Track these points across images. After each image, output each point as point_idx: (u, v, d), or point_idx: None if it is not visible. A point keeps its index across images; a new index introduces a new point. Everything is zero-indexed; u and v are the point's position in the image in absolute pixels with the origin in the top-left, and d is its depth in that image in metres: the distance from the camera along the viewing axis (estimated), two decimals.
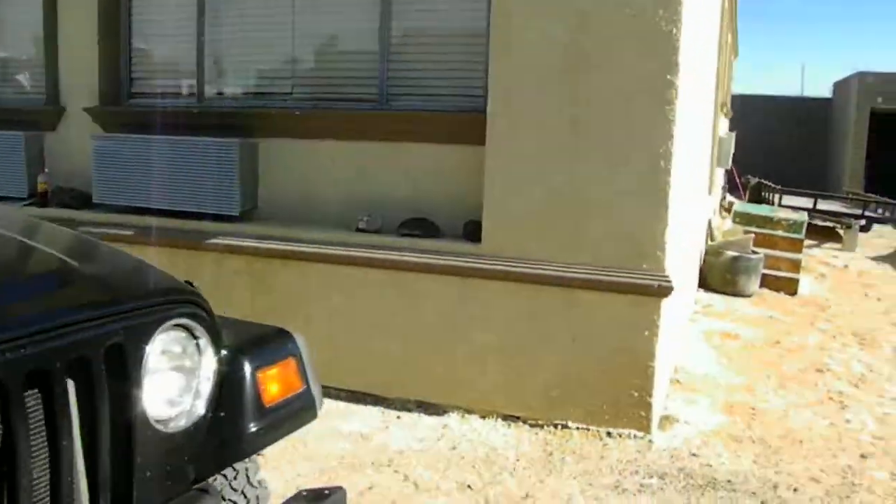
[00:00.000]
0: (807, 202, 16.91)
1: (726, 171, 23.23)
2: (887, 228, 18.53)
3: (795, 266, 10.04)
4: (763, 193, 17.63)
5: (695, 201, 7.84)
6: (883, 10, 74.51)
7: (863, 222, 16.78)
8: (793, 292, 9.77)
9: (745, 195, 19.09)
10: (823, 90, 30.31)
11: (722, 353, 7.06)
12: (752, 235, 9.69)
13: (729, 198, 20.94)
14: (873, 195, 19.66)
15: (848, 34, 68.65)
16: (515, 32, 5.00)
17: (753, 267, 9.31)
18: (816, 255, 14.24)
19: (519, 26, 4.99)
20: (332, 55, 6.22)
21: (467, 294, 5.25)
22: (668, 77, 4.69)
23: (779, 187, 17.33)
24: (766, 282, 9.80)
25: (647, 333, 4.87)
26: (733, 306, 8.80)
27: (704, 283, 9.36)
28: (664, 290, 4.79)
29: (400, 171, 5.68)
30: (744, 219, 10.86)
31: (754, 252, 9.56)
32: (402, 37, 5.84)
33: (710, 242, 9.67)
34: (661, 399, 5.31)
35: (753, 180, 18.79)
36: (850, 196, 19.47)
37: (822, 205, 17.64)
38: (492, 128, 5.10)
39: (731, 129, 24.52)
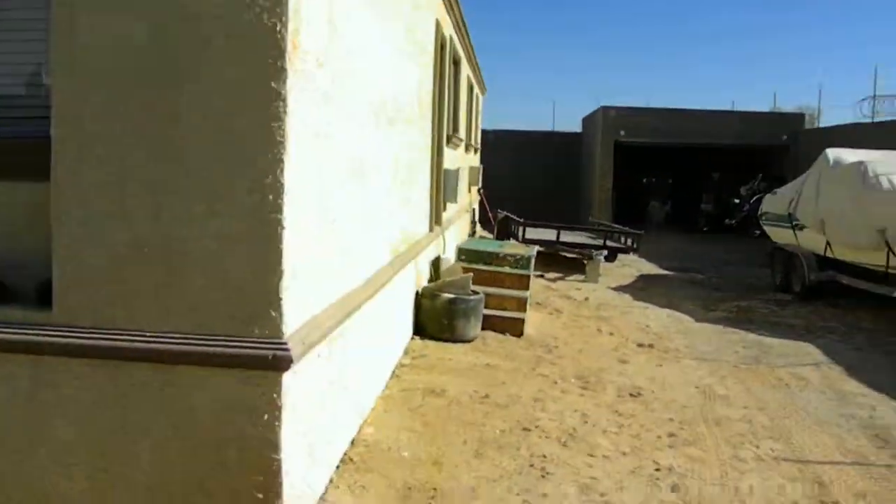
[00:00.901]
0: (552, 234, 16.70)
1: (481, 203, 23.14)
2: (632, 258, 18.77)
3: (522, 305, 9.40)
4: (511, 227, 17.32)
5: (392, 241, 6.91)
6: (625, 43, 79.47)
7: (605, 253, 16.78)
8: (519, 333, 9.09)
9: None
10: (575, 125, 31.08)
11: (419, 416, 6.09)
12: (471, 274, 8.93)
13: (481, 232, 20.66)
14: (617, 225, 19.94)
15: (595, 69, 72.76)
16: (83, 31, 3.79)
17: (472, 309, 8.53)
18: (559, 289, 13.91)
19: (86, 24, 3.78)
20: None
21: (42, 377, 3.93)
22: (274, 86, 3.64)
23: (521, 220, 17.06)
24: (492, 323, 9.07)
25: (266, 418, 3.76)
26: (448, 355, 7.93)
27: (421, 330, 8.46)
28: (281, 362, 3.70)
29: None
30: (470, 256, 10.15)
31: (474, 292, 8.79)
32: None
33: (425, 285, 8.81)
34: (303, 497, 4.20)
35: (501, 214, 18.51)
36: (595, 227, 19.63)
37: (568, 236, 17.55)
38: (58, 156, 3.84)
39: (481, 163, 24.61)
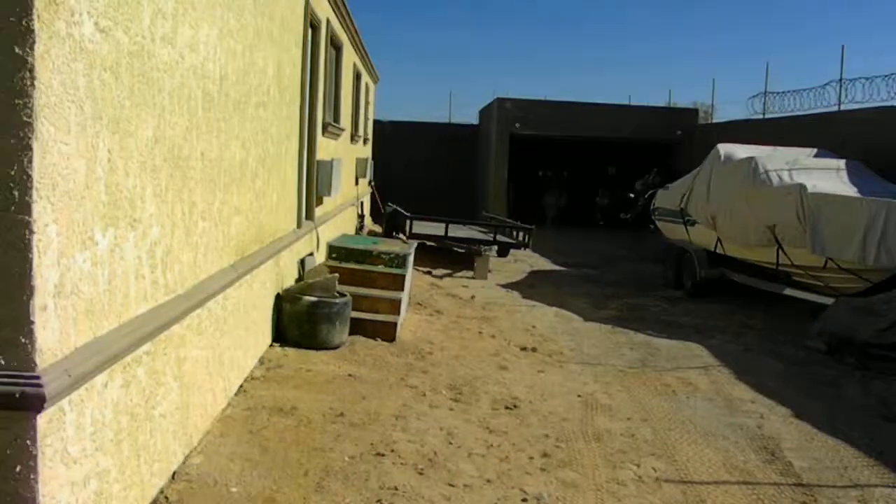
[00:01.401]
0: (441, 228, 16.00)
1: (373, 197, 22.30)
2: (526, 253, 18.27)
3: (395, 307, 8.67)
4: (399, 221, 16.56)
5: (239, 240, 6.07)
6: (522, 37, 78.89)
7: (495, 248, 16.21)
8: (391, 338, 8.36)
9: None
10: (474, 118, 30.50)
11: (259, 441, 5.28)
12: (337, 275, 8.15)
13: (372, 226, 19.85)
14: (510, 220, 19.41)
15: (492, 60, 72.11)
16: None
17: (338, 313, 7.75)
18: (445, 287, 13.25)
19: None
20: None
21: None
22: (18, 51, 2.80)
23: (408, 214, 16.32)
24: (362, 327, 8.32)
25: (18, 470, 2.92)
26: (308, 365, 7.13)
27: (282, 337, 7.64)
28: (32, 401, 2.87)
29: None
30: (341, 254, 9.35)
31: (340, 294, 8.02)
32: None
33: (288, 286, 7.98)
34: None
35: (390, 207, 17.73)
36: (487, 221, 19.03)
37: (458, 231, 16.90)
38: None
39: (377, 155, 23.81)
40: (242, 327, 6.39)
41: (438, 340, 8.87)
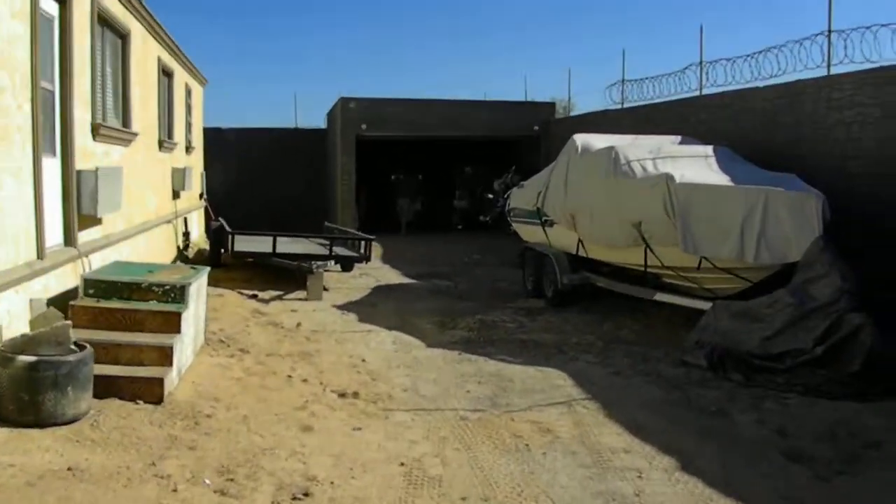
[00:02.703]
0: (269, 244, 13.85)
1: (206, 212, 19.93)
2: (376, 264, 16.38)
3: (164, 357, 6.55)
4: (222, 237, 14.35)
5: None
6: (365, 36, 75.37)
7: (329, 264, 14.21)
8: (157, 399, 6.26)
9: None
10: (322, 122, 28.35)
11: None
12: (69, 323, 5.99)
13: (200, 246, 17.54)
14: (352, 230, 17.41)
15: (337, 63, 68.61)
16: None
17: (71, 374, 5.60)
18: (269, 313, 11.18)
19: None
20: None
21: None
22: None
23: (229, 230, 14.13)
24: (118, 387, 6.21)
25: None
26: (15, 456, 4.96)
27: None
28: None
29: None
30: (100, 288, 7.10)
31: (78, 346, 5.87)
32: None
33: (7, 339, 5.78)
34: None
35: (216, 224, 15.48)
36: (328, 233, 16.95)
37: (292, 246, 14.81)
38: None
39: (214, 164, 21.44)
40: None
41: (229, 394, 6.82)
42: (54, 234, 7.51)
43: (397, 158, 25.14)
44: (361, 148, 22.43)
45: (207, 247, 16.38)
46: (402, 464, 5.54)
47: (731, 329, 8.64)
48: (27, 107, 6.62)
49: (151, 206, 12.51)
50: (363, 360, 8.58)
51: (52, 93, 7.57)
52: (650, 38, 60.70)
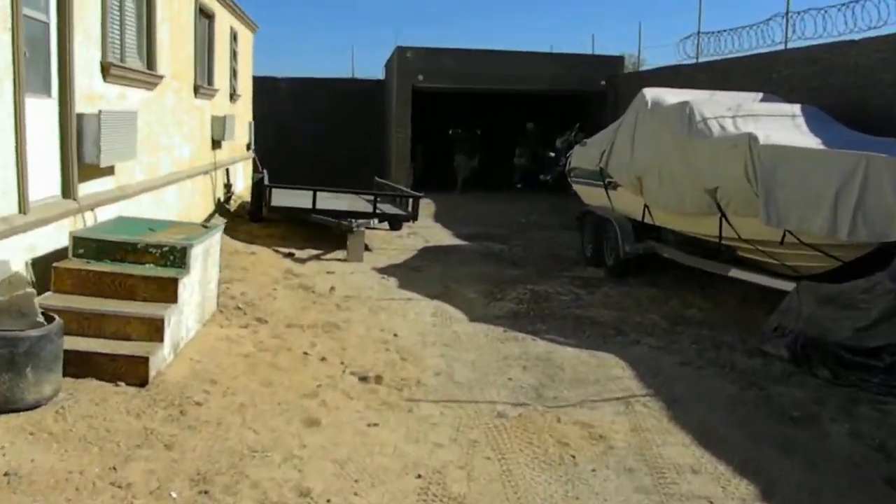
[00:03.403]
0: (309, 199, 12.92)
1: (254, 164, 19.12)
2: (426, 223, 15.39)
3: (155, 331, 5.65)
4: (262, 191, 13.49)
5: None
6: None
7: (374, 221, 13.23)
8: (142, 381, 5.38)
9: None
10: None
11: None
12: (33, 291, 5.11)
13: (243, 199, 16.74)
14: (401, 187, 16.35)
15: (400, 19, 66.25)
16: None
17: (32, 351, 4.74)
18: (304, 274, 10.28)
19: None
20: None
21: None
22: None
23: (267, 183, 13.26)
24: (97, 366, 5.35)
25: None
26: None
27: None
28: None
29: None
30: (91, 248, 6.20)
31: (46, 317, 5.00)
32: None
33: None
34: None
35: (257, 176, 14.63)
36: (381, 188, 15.95)
37: (337, 202, 13.87)
38: None
39: (266, 114, 20.61)
40: None
41: (230, 376, 5.90)
42: (48, 184, 6.64)
43: (455, 113, 23.94)
44: (418, 101, 21.32)
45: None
46: (420, 476, 4.57)
47: (818, 316, 7.43)
48: (5, 37, 5.71)
49: (184, 156, 11.65)
50: (395, 335, 7.62)
51: (46, 25, 6.65)
52: None
